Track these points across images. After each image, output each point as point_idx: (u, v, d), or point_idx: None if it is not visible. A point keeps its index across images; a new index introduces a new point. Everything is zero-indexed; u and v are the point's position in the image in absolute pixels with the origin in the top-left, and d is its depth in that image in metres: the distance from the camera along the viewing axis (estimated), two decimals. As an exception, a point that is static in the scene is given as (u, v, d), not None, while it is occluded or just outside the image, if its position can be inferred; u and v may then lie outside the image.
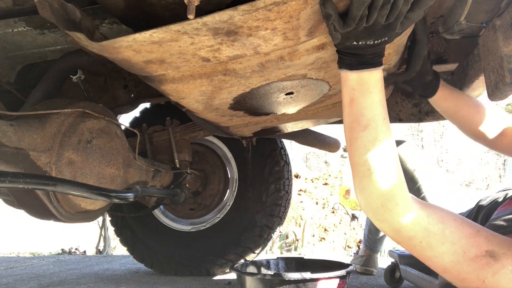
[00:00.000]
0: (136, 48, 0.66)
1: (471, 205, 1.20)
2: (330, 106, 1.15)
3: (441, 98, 1.06)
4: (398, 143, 1.62)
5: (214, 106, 0.99)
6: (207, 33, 0.61)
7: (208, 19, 0.57)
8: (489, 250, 0.65)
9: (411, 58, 0.96)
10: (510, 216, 0.83)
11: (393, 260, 1.57)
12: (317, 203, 5.60)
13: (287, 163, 1.96)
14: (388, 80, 0.90)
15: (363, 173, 0.70)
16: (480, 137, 1.08)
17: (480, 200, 1.19)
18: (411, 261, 1.39)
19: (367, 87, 0.71)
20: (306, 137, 1.78)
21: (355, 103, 0.71)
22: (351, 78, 0.71)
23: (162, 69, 0.74)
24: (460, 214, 1.27)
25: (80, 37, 0.64)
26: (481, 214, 1.09)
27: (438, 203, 1.33)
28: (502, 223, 0.83)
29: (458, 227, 0.67)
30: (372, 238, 1.84)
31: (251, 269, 1.42)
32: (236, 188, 1.95)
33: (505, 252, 0.65)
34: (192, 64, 0.72)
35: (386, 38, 0.68)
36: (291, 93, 0.94)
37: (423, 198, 1.39)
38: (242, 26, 0.59)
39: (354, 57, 0.70)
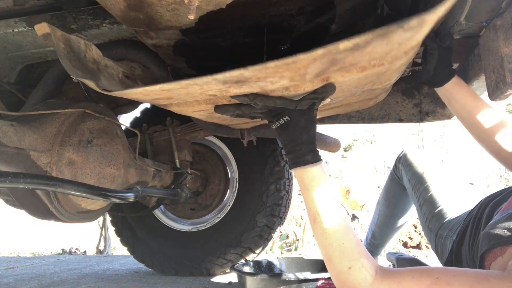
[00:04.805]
0: (145, 94, 0.68)
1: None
2: (329, 108, 1.17)
3: (454, 87, 1.00)
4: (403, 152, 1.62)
5: (216, 116, 1.02)
6: (217, 84, 0.64)
7: (219, 76, 0.60)
8: None
9: (425, 62, 0.97)
10: (506, 224, 0.82)
11: (390, 263, 1.57)
12: (317, 203, 5.57)
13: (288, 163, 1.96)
14: (403, 82, 0.86)
15: (325, 258, 0.75)
16: (488, 143, 0.99)
17: (484, 198, 1.17)
18: (409, 264, 1.39)
19: (304, 185, 0.77)
20: (307, 137, 1.78)
21: (303, 196, 0.78)
22: (295, 175, 0.79)
23: (169, 101, 0.77)
24: (458, 217, 1.27)
25: (91, 84, 0.65)
26: (485, 214, 1.07)
27: (445, 200, 1.34)
28: (497, 232, 0.82)
29: (416, 283, 0.70)
30: (375, 243, 1.83)
31: (251, 269, 1.42)
32: (237, 188, 1.95)
33: None
34: (198, 99, 0.75)
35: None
36: None
37: (431, 197, 1.40)
38: (251, 77, 0.62)
39: (289, 157, 0.78)
